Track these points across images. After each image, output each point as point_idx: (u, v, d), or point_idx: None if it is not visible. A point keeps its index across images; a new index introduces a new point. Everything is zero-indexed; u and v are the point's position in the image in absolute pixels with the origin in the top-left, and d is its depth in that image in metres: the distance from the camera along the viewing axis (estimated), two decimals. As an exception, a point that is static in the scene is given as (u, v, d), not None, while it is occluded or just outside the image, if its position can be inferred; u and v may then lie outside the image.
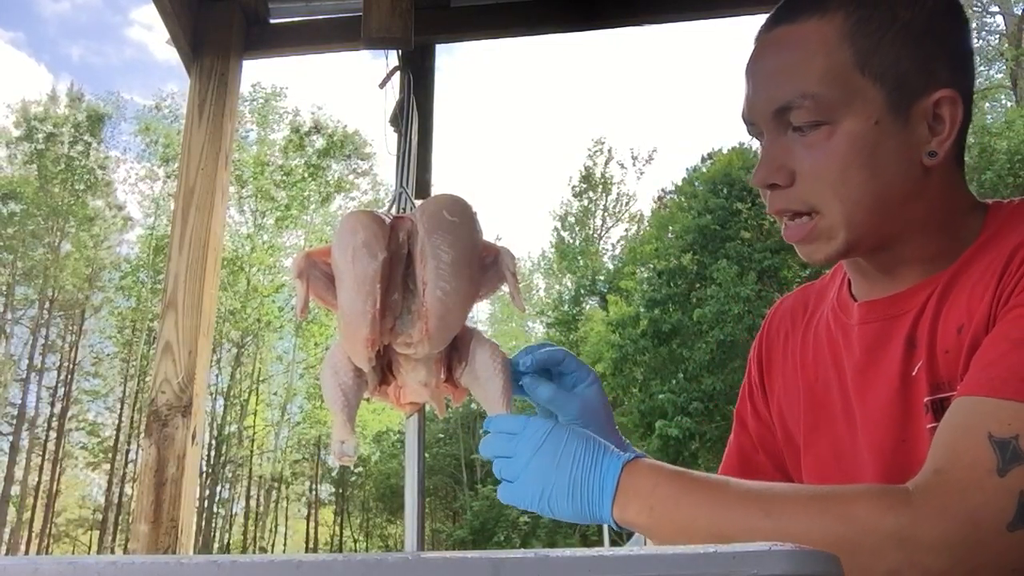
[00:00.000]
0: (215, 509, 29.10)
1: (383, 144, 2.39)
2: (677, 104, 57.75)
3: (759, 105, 0.86)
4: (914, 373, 0.83)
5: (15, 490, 27.45)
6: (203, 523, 27.10)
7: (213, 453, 27.89)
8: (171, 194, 25.16)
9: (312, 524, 31.67)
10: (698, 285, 20.04)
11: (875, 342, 0.88)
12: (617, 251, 32.11)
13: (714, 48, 60.98)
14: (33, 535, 27.07)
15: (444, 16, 2.46)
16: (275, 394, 30.74)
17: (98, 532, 28.90)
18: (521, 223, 58.09)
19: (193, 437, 2.00)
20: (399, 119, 2.30)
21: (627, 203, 33.23)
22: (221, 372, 28.67)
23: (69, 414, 29.15)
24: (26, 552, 24.89)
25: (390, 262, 0.79)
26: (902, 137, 0.82)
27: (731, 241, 20.08)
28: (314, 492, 32.18)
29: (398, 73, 2.35)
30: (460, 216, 0.82)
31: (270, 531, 31.34)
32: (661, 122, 55.96)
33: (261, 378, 30.06)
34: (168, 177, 29.11)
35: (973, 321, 0.79)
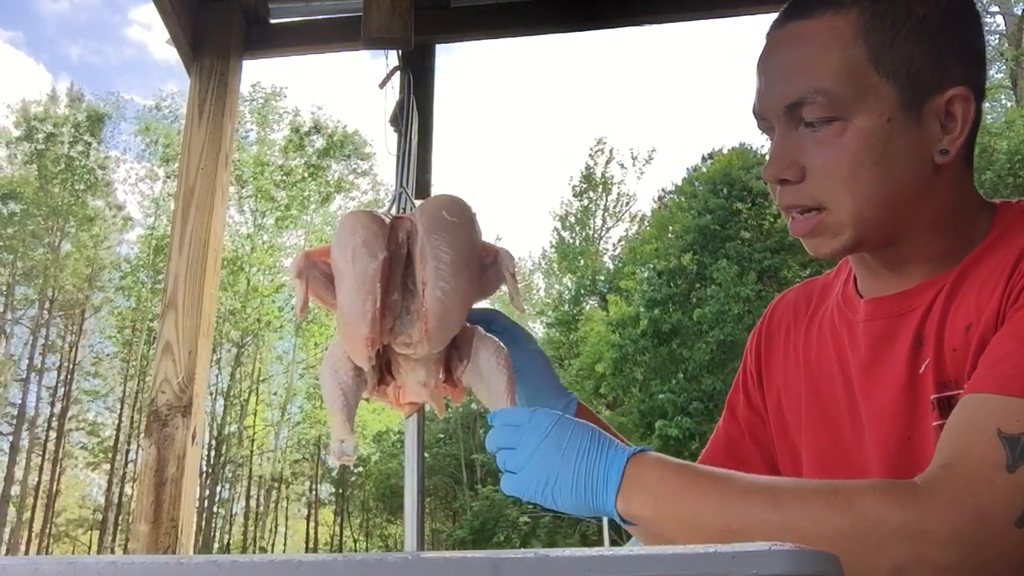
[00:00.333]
0: (215, 509, 29.10)
1: (383, 144, 2.39)
2: (677, 104, 57.77)
3: (771, 100, 0.86)
4: (921, 371, 0.83)
5: (15, 490, 27.45)
6: (203, 523, 27.10)
7: (213, 453, 27.89)
8: (171, 194, 25.15)
9: (312, 524, 31.67)
10: (698, 285, 20.04)
11: (881, 339, 0.88)
12: (617, 251, 32.11)
13: (714, 48, 61.02)
14: (33, 535, 27.07)
15: (444, 16, 2.46)
16: (275, 394, 30.74)
17: (98, 532, 28.90)
18: (521, 223, 58.11)
19: (193, 437, 2.00)
20: (399, 119, 2.30)
21: (627, 203, 33.23)
22: (221, 372, 28.67)
23: (69, 414, 29.15)
24: (26, 552, 24.90)
25: (390, 262, 0.79)
26: (914, 134, 0.82)
27: (731, 241, 20.08)
28: (314, 492, 32.19)
29: (398, 73, 2.35)
30: (460, 216, 0.82)
31: (270, 531, 31.34)
32: (661, 122, 55.99)
33: (261, 378, 30.06)
34: (168, 177, 29.11)
35: (981, 319, 0.78)
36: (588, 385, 22.02)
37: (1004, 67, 21.05)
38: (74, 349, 29.71)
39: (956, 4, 0.84)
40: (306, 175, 30.04)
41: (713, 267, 19.33)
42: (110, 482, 28.84)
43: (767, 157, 0.88)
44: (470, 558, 0.42)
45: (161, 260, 26.23)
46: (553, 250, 33.58)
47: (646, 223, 29.02)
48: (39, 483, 28.08)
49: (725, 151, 23.39)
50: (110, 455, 29.33)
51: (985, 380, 0.73)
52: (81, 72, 46.71)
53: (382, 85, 2.34)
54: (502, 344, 0.87)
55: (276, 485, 31.07)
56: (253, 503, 31.16)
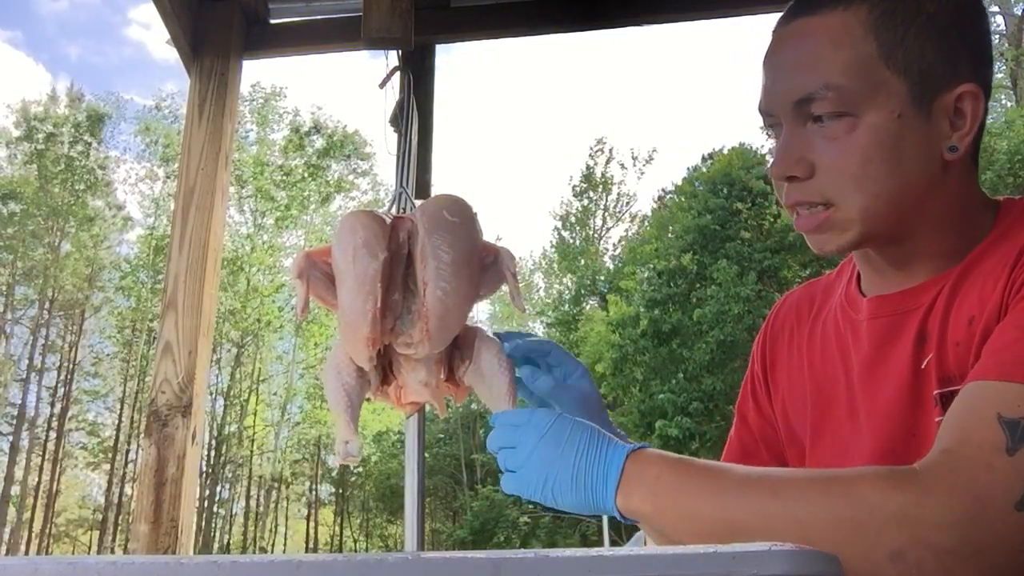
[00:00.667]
0: (215, 509, 29.11)
1: (383, 144, 2.39)
2: (677, 104, 57.78)
3: (779, 96, 0.86)
4: (923, 367, 0.83)
5: (15, 490, 27.46)
6: (203, 523, 27.10)
7: (213, 453, 27.89)
8: (171, 194, 25.15)
9: (312, 524, 31.68)
10: (698, 285, 20.03)
11: (884, 337, 0.88)
12: (617, 251, 32.12)
13: (714, 48, 61.01)
14: (33, 535, 27.07)
15: (444, 16, 2.46)
16: (275, 394, 30.75)
17: (98, 532, 28.91)
18: (521, 223, 58.12)
19: (193, 437, 2.00)
20: (399, 119, 2.30)
21: (627, 203, 33.24)
22: (221, 372, 28.67)
23: (69, 414, 29.15)
24: (26, 552, 24.90)
25: (390, 262, 0.79)
26: (924, 131, 0.82)
27: (731, 241, 20.08)
28: (314, 492, 32.20)
29: (398, 73, 2.35)
30: (460, 216, 0.83)
31: (270, 531, 31.34)
32: (661, 122, 56.00)
33: (261, 378, 30.06)
34: (168, 177, 29.12)
35: (984, 312, 0.78)
36: (588, 385, 21.98)
37: (1004, 67, 21.06)
38: (74, 349, 29.72)
39: (965, 1, 0.84)
40: (306, 175, 30.05)
41: (713, 267, 19.32)
42: (110, 482, 28.85)
43: (773, 154, 0.87)
44: (470, 558, 0.42)
45: (161, 260, 26.23)
46: (553, 250, 33.60)
47: (646, 223, 29.02)
48: (39, 483, 28.08)
49: (725, 151, 23.38)
50: (110, 455, 29.34)
51: (986, 368, 0.73)
52: (80, 72, 46.76)
53: (382, 85, 2.34)
54: (502, 344, 0.87)
55: (276, 485, 31.07)
56: (253, 503, 31.16)
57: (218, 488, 29.03)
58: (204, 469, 26.90)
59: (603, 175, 33.34)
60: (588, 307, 28.01)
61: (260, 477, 30.74)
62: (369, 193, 31.38)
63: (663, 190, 29.12)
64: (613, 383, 20.52)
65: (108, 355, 30.54)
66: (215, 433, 28.00)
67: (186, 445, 1.98)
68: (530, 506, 23.82)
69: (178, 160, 2.33)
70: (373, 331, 0.77)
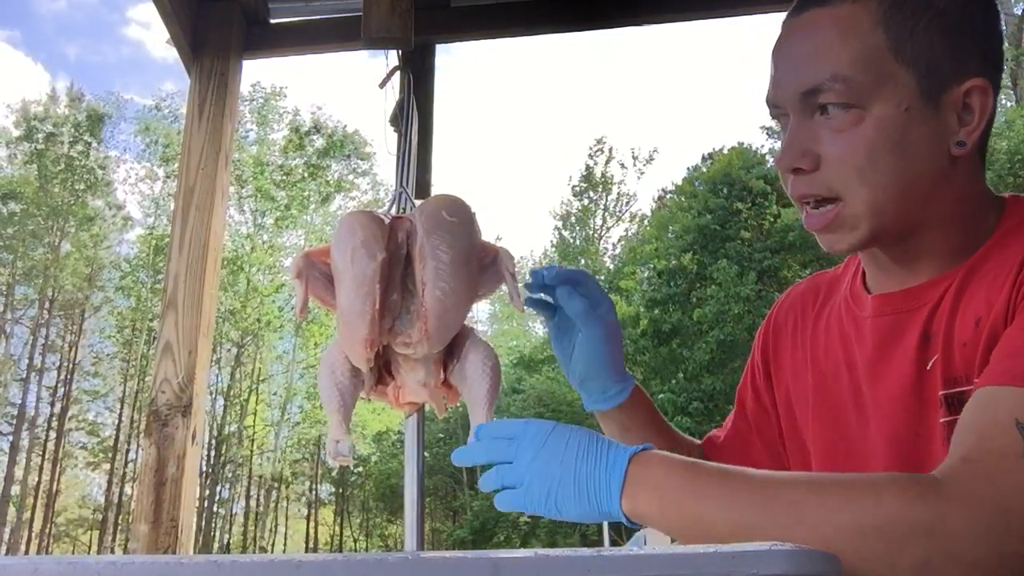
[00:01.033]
0: (215, 509, 29.11)
1: (383, 144, 2.39)
2: (677, 104, 57.77)
3: (787, 87, 0.85)
4: (929, 367, 0.82)
5: (15, 490, 27.45)
6: (203, 523, 27.10)
7: (213, 453, 27.89)
8: (171, 194, 25.16)
9: (312, 524, 31.67)
10: (698, 285, 20.04)
11: (889, 336, 0.87)
12: (617, 251, 32.12)
13: (714, 48, 61.00)
14: (33, 535, 27.07)
15: (444, 16, 2.45)
16: (275, 394, 30.74)
17: (98, 532, 28.91)
18: (521, 223, 58.13)
19: (193, 437, 2.00)
20: (399, 119, 2.30)
21: (627, 203, 33.26)
22: (221, 372, 28.67)
23: (69, 414, 29.15)
24: (26, 552, 24.90)
25: (389, 262, 0.79)
26: (932, 125, 0.81)
27: (731, 241, 20.09)
28: (314, 492, 32.19)
29: (398, 73, 2.35)
30: (459, 216, 0.83)
31: (270, 531, 31.34)
32: (661, 122, 56.01)
33: (261, 378, 30.06)
34: (168, 177, 29.12)
35: (991, 313, 0.78)
36: (588, 385, 21.98)
37: (1004, 67, 21.07)
38: (74, 349, 29.72)
39: None
40: (306, 175, 30.04)
41: (713, 267, 19.33)
42: (110, 482, 28.84)
43: (780, 146, 0.86)
44: (470, 558, 0.42)
45: (161, 260, 26.24)
46: (553, 250, 33.61)
47: (646, 223, 29.02)
48: (39, 483, 28.08)
49: (725, 151, 23.38)
50: (110, 455, 29.34)
51: (999, 373, 0.72)
52: (79, 71, 46.76)
53: (382, 85, 2.34)
54: (493, 351, 0.87)
55: (276, 485, 31.06)
56: (253, 503, 31.16)
57: (218, 488, 29.04)
58: (204, 469, 26.91)
59: (603, 175, 33.36)
60: (588, 307, 27.94)
61: (260, 477, 30.74)
62: (369, 193, 31.39)
63: (663, 190, 29.15)
64: (613, 383, 20.47)
65: (108, 355, 30.54)
66: (215, 433, 28.00)
67: (186, 445, 1.98)
68: (530, 506, 23.81)
69: (178, 160, 2.33)
70: (371, 332, 0.77)
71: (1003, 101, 21.32)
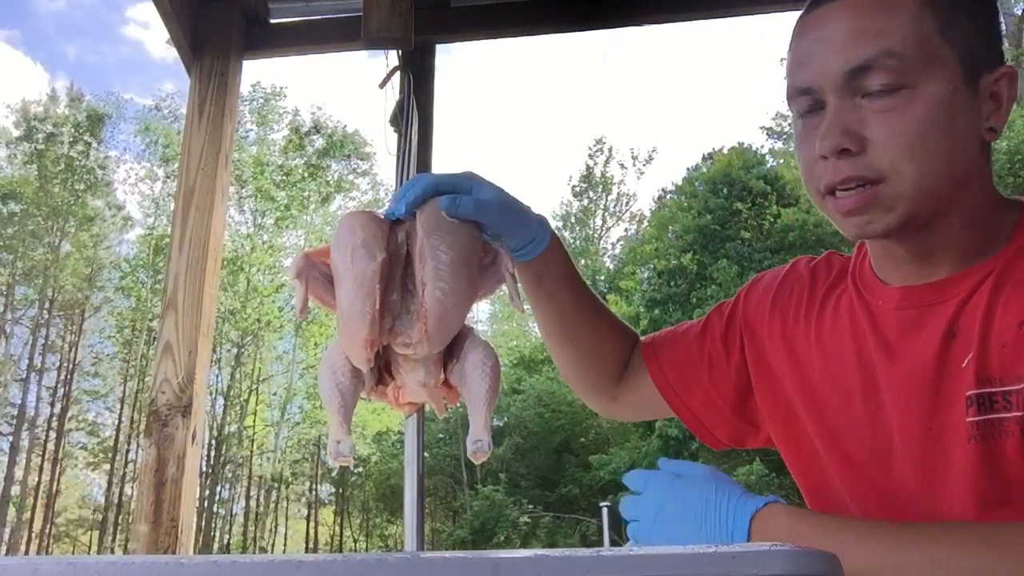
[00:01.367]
0: (215, 509, 29.11)
1: (383, 144, 2.39)
2: (677, 104, 57.77)
3: (829, 67, 0.82)
4: (964, 365, 0.80)
5: (15, 490, 27.46)
6: (203, 523, 27.10)
7: (213, 453, 27.90)
8: (171, 194, 25.17)
9: (312, 524, 31.67)
10: (698, 285, 20.04)
11: (910, 329, 0.86)
12: (617, 251, 32.14)
13: (714, 48, 60.99)
14: (33, 535, 27.07)
15: (444, 16, 2.45)
16: (275, 394, 30.75)
17: (98, 532, 28.91)
18: (521, 223, 57.93)
19: (193, 437, 2.00)
20: (399, 119, 2.30)
21: (627, 203, 33.27)
22: (221, 372, 28.67)
23: (69, 414, 29.16)
24: (26, 552, 24.90)
25: (389, 262, 0.79)
26: (972, 108, 0.81)
27: (731, 241, 20.10)
28: (314, 492, 32.20)
29: (398, 73, 2.35)
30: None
31: (270, 531, 31.35)
32: (661, 122, 56.00)
33: (261, 378, 30.07)
34: (168, 177, 29.13)
35: None
36: (588, 385, 21.97)
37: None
38: (74, 349, 29.73)
39: None
40: (306, 175, 30.06)
41: (713, 267, 19.34)
42: (110, 482, 28.85)
43: (822, 129, 0.82)
44: (470, 558, 0.42)
45: (161, 260, 26.24)
46: (553, 250, 33.56)
47: (646, 223, 29.03)
48: (39, 483, 28.08)
49: (725, 151, 23.39)
50: (110, 455, 29.35)
51: None
52: (79, 71, 46.75)
53: (382, 85, 2.34)
54: (493, 351, 0.87)
55: (276, 485, 31.07)
56: (253, 503, 31.17)
57: (218, 488, 29.04)
58: (204, 469, 26.90)
59: (603, 175, 33.37)
60: (588, 307, 27.94)
61: (260, 477, 30.75)
62: (369, 193, 31.41)
63: (663, 190, 29.17)
64: (613, 383, 20.48)
65: (108, 355, 30.55)
66: (215, 433, 28.00)
67: (186, 445, 1.98)
68: (530, 506, 23.80)
69: (178, 160, 2.33)
70: (371, 332, 0.77)
71: (1003, 101, 21.37)
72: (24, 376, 28.63)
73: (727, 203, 20.87)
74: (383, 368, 0.86)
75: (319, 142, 30.57)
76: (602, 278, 28.50)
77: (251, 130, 30.02)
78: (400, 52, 2.32)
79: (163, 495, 1.93)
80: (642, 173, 36.91)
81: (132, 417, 28.81)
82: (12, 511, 26.93)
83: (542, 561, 0.42)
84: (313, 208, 30.45)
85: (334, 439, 0.81)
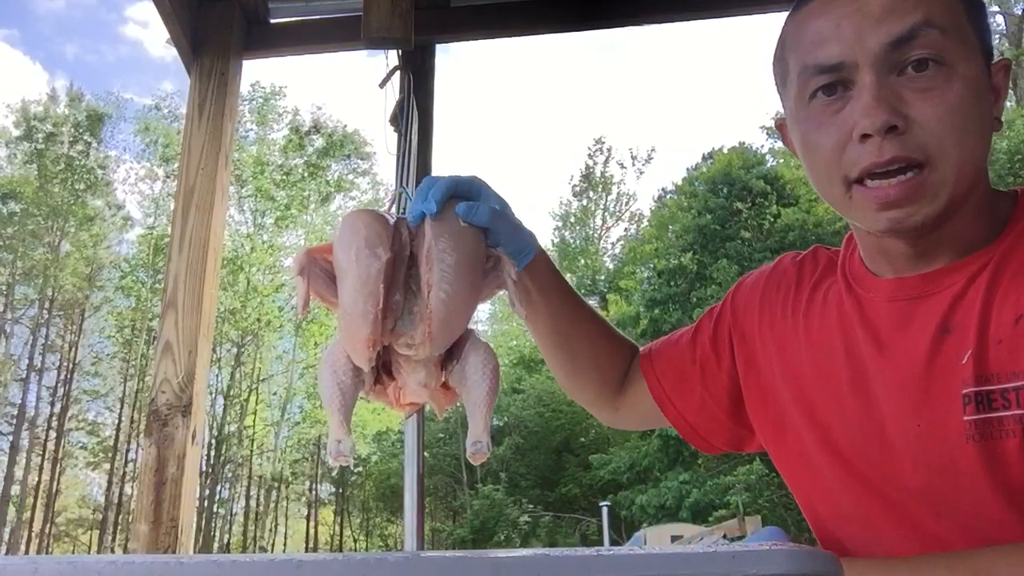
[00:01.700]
0: (215, 509, 29.12)
1: (383, 144, 2.39)
2: (677, 104, 57.78)
3: (869, 40, 0.78)
4: (964, 361, 0.78)
5: (15, 490, 27.47)
6: (203, 523, 27.10)
7: (213, 453, 27.91)
8: (171, 194, 25.17)
9: (312, 524, 31.69)
10: (698, 285, 20.04)
11: (901, 321, 0.84)
12: (617, 251, 32.15)
13: (714, 48, 61.00)
14: (33, 535, 27.08)
15: (444, 16, 2.45)
16: (275, 394, 30.77)
17: (98, 532, 28.92)
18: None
19: (193, 437, 2.00)
20: (399, 119, 2.30)
21: (627, 203, 33.27)
22: (221, 372, 28.68)
23: (69, 414, 29.18)
24: (26, 552, 24.90)
25: (393, 262, 0.78)
26: (989, 94, 0.81)
27: (731, 241, 20.10)
28: (314, 492, 32.22)
29: (398, 73, 2.35)
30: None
31: (270, 531, 31.37)
32: (661, 122, 56.04)
33: (261, 378, 30.08)
34: (168, 177, 29.15)
35: None
36: (588, 385, 21.99)
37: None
38: (74, 349, 29.73)
39: None
40: (306, 175, 30.08)
41: (713, 267, 19.34)
42: (110, 482, 28.86)
43: (863, 106, 0.77)
44: (470, 558, 0.42)
45: (161, 260, 26.24)
46: (554, 249, 33.61)
47: (646, 223, 29.03)
48: (39, 483, 28.09)
49: (725, 151, 23.39)
50: (110, 455, 29.36)
51: None
52: (78, 70, 46.82)
53: (382, 85, 2.34)
54: (493, 353, 0.86)
55: (276, 485, 31.08)
56: (253, 503, 31.18)
57: (218, 488, 29.05)
58: (204, 469, 26.90)
59: (603, 175, 33.37)
60: (588, 307, 27.98)
61: (260, 477, 30.76)
62: (369, 193, 31.42)
63: (663, 190, 29.17)
64: (613, 383, 20.50)
65: (108, 355, 30.57)
66: (215, 433, 28.01)
67: (186, 445, 1.98)
68: (530, 506, 23.81)
69: (178, 160, 2.33)
70: (374, 332, 0.77)
71: (1003, 101, 21.35)
72: (24, 376, 28.65)
73: (727, 203, 20.88)
74: (383, 368, 0.86)
75: (319, 142, 30.60)
76: (602, 278, 28.50)
77: (251, 130, 30.06)
78: (400, 52, 2.32)
79: (163, 495, 1.93)
80: (642, 173, 36.95)
81: (132, 417, 28.82)
82: (12, 511, 26.94)
83: (542, 561, 0.42)
84: (313, 208, 30.47)
85: (334, 438, 0.81)
